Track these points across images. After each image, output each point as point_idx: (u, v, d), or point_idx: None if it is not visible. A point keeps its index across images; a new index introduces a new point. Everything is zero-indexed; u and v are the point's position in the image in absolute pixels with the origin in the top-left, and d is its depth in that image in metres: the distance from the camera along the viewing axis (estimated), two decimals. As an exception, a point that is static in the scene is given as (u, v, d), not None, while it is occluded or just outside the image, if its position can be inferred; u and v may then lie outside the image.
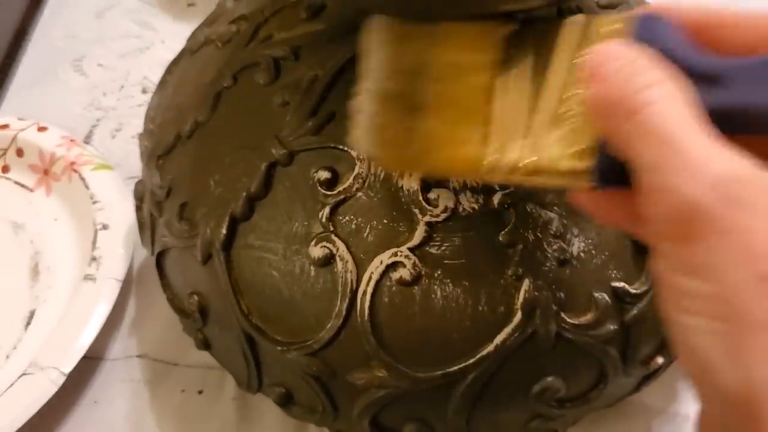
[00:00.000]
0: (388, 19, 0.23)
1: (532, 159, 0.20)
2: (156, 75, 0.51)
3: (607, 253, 0.27)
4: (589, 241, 0.27)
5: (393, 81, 0.22)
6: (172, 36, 0.54)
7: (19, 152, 0.45)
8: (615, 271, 0.27)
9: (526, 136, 0.20)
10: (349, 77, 0.28)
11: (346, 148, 0.27)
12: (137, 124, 0.48)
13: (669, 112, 0.16)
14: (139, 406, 0.35)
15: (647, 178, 0.16)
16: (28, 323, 0.38)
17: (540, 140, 0.20)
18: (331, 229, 0.27)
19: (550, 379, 0.27)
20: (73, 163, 0.43)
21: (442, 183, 0.27)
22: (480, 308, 0.26)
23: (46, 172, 0.44)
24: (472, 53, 0.21)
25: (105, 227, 0.39)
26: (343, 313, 0.26)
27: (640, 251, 0.27)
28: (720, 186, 0.15)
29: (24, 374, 0.34)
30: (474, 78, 0.21)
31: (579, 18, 0.21)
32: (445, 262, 0.26)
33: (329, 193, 0.27)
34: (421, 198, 0.26)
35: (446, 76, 0.21)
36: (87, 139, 0.47)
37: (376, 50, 0.22)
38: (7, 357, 0.37)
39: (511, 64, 0.21)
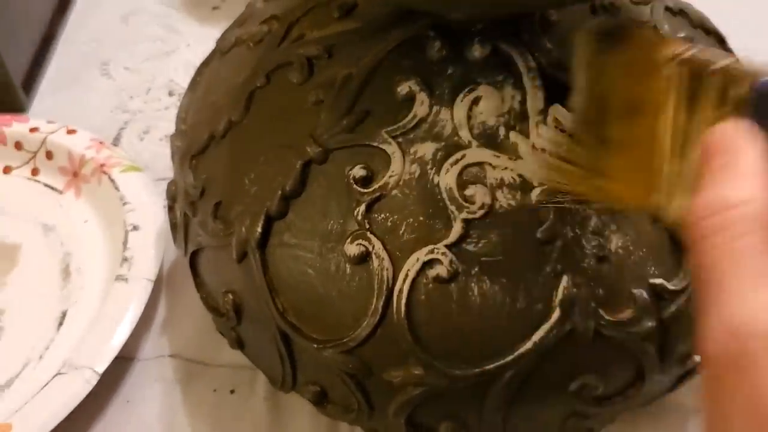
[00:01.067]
0: (589, 37, 0.23)
1: None
2: (182, 78, 0.51)
3: (645, 250, 0.27)
4: (628, 237, 0.27)
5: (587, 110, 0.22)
6: (198, 39, 0.54)
7: (49, 155, 0.45)
8: (653, 268, 0.27)
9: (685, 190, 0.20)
10: (383, 75, 0.28)
11: (381, 146, 0.27)
12: (164, 127, 0.48)
13: (730, 247, 0.17)
14: (172, 406, 0.35)
15: (698, 300, 0.17)
16: (60, 324, 0.38)
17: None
18: (367, 226, 0.27)
19: (587, 376, 0.27)
20: (102, 165, 0.43)
21: (478, 179, 0.26)
22: (518, 305, 0.26)
23: (75, 174, 0.44)
24: (658, 89, 0.21)
25: (136, 228, 0.39)
26: (380, 310, 0.26)
27: (679, 248, 0.27)
28: (735, 339, 0.16)
29: (58, 374, 0.34)
30: (655, 117, 0.21)
31: (720, 64, 0.20)
32: (483, 259, 0.26)
33: (365, 190, 0.27)
34: (457, 195, 0.26)
35: (632, 111, 0.21)
36: (115, 142, 0.48)
37: (581, 68, 0.23)
38: (40, 357, 0.37)
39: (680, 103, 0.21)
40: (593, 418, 0.29)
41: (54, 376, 0.34)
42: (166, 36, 0.55)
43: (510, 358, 0.26)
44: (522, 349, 0.26)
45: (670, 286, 0.27)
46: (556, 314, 0.26)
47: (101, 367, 0.34)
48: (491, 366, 0.26)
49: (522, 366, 0.26)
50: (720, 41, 0.34)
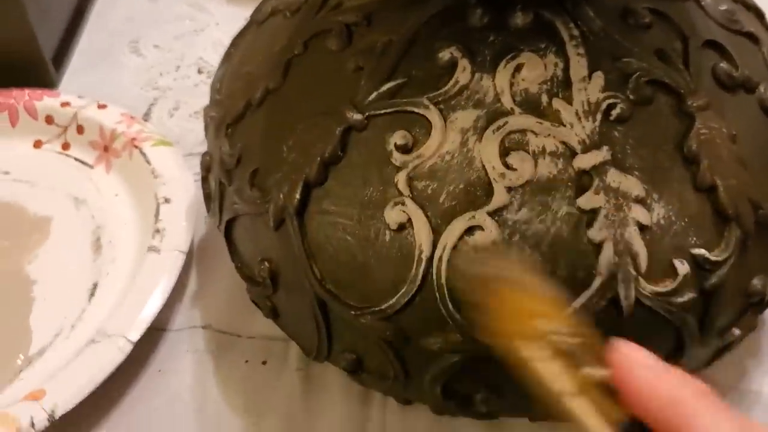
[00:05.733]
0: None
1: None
2: (210, 56, 0.52)
3: (687, 220, 0.27)
4: (670, 207, 0.26)
5: None
6: (226, 18, 0.54)
7: (80, 129, 0.45)
8: (695, 238, 0.27)
9: None
10: (423, 42, 0.28)
11: (422, 112, 0.27)
12: (194, 103, 0.48)
13: None
14: (204, 377, 0.35)
15: None
16: (92, 294, 0.39)
17: None
18: (407, 193, 0.27)
19: (627, 347, 0.27)
20: (133, 139, 0.43)
21: (521, 147, 0.26)
22: (558, 273, 0.26)
23: (106, 148, 0.44)
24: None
25: (167, 201, 0.39)
26: (419, 278, 0.26)
27: (721, 218, 0.27)
28: None
29: (92, 342, 0.34)
30: None
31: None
32: (523, 226, 0.26)
33: (405, 158, 0.27)
34: (499, 162, 0.26)
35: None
36: (145, 118, 0.48)
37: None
38: (72, 327, 0.37)
39: None
40: (630, 391, 0.28)
41: (87, 344, 0.34)
42: (195, 15, 0.55)
43: (550, 326, 0.26)
44: (562, 318, 0.26)
45: (712, 257, 0.27)
46: (597, 282, 0.26)
47: (135, 336, 0.34)
48: (531, 334, 0.26)
49: (562, 334, 0.26)
50: (759, 16, 0.34)
